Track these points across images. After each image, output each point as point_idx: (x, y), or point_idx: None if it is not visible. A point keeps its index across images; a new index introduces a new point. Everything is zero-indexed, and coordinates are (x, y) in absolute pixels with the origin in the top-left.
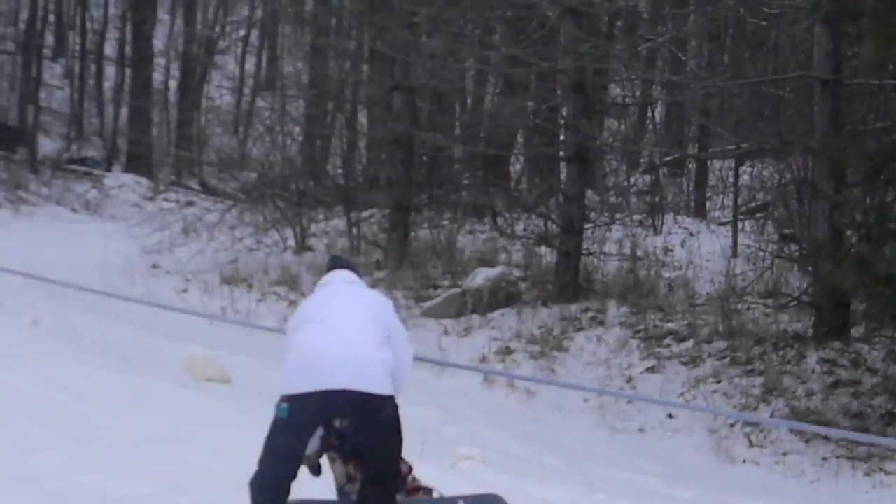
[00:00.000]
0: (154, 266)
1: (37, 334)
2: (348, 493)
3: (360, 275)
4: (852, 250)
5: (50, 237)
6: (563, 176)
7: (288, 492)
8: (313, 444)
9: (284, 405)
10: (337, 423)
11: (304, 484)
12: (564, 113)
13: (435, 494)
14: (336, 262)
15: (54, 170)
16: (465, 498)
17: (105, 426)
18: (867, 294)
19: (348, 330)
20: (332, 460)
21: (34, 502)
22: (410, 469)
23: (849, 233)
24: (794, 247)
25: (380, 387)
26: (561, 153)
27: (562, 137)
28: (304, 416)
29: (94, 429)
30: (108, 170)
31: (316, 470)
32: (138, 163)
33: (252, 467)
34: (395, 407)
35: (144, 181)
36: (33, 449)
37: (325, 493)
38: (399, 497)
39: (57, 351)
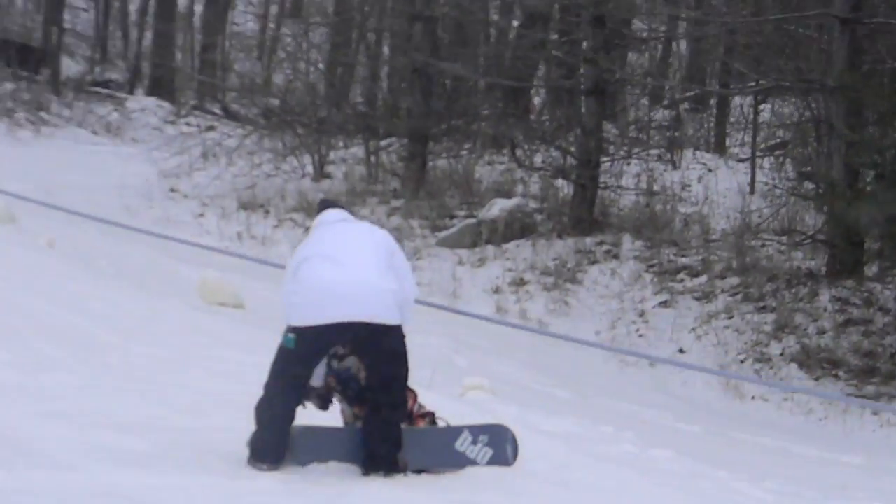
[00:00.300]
0: (172, 190)
1: (51, 256)
2: None
3: (352, 214)
4: (867, 189)
5: (70, 159)
6: (582, 108)
7: (292, 418)
8: (318, 377)
9: (291, 336)
10: (341, 350)
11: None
12: (585, 46)
13: (440, 422)
14: (327, 204)
15: (77, 92)
16: (470, 428)
17: (116, 348)
18: (881, 233)
19: (354, 262)
20: (339, 400)
21: (42, 421)
22: (416, 398)
23: (864, 172)
24: (810, 185)
25: (386, 316)
26: (581, 86)
27: (582, 70)
28: (310, 348)
29: (104, 350)
30: (131, 93)
31: (325, 402)
32: (161, 86)
33: (260, 392)
34: (402, 336)
35: (166, 105)
36: (44, 368)
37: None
38: (403, 425)
39: (71, 273)
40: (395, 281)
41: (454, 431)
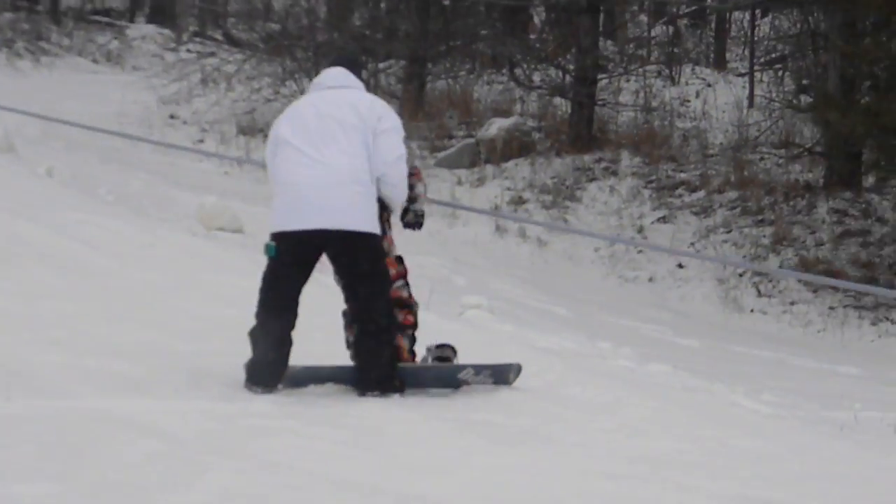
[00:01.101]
0: (172, 116)
1: (51, 184)
2: None
3: (359, 73)
4: (862, 101)
5: (70, 88)
6: (580, 26)
7: (287, 340)
8: None
9: (272, 243)
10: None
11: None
12: None
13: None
14: (334, 60)
15: (76, 21)
16: (475, 367)
17: (115, 275)
18: (877, 144)
19: (326, 157)
20: (344, 327)
21: (42, 349)
22: (409, 307)
23: (860, 83)
24: (807, 98)
25: (355, 223)
26: (579, 4)
27: None
28: (291, 257)
29: (103, 277)
30: (131, 21)
31: None
32: (161, 14)
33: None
34: (375, 241)
35: (167, 32)
36: (43, 296)
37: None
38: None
39: (70, 201)
40: (368, 172)
41: (456, 370)
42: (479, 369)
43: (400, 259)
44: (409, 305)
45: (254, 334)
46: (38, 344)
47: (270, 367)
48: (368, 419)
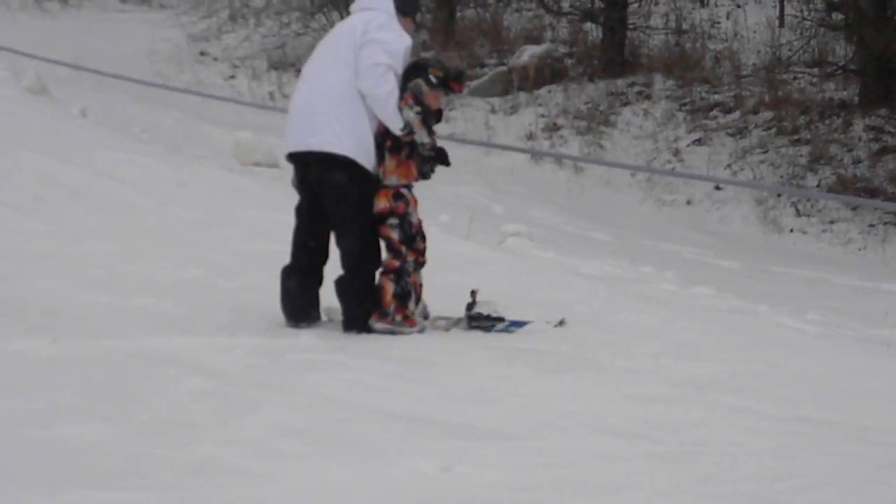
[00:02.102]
0: (202, 53)
1: (85, 125)
2: None
3: (405, 4)
4: None
5: (98, 28)
6: None
7: (311, 273)
8: None
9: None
10: None
11: None
12: None
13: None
14: None
15: None
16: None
17: (152, 213)
18: None
19: (311, 82)
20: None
21: (84, 290)
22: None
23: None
24: (839, 15)
25: (330, 145)
26: None
27: None
28: (295, 178)
29: (141, 216)
30: None
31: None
32: None
33: None
34: (349, 170)
35: None
36: (81, 237)
37: None
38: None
39: (104, 140)
40: (354, 102)
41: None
42: (512, 326)
43: (400, 196)
44: (396, 251)
45: (284, 268)
46: (80, 285)
47: (293, 300)
48: (414, 351)
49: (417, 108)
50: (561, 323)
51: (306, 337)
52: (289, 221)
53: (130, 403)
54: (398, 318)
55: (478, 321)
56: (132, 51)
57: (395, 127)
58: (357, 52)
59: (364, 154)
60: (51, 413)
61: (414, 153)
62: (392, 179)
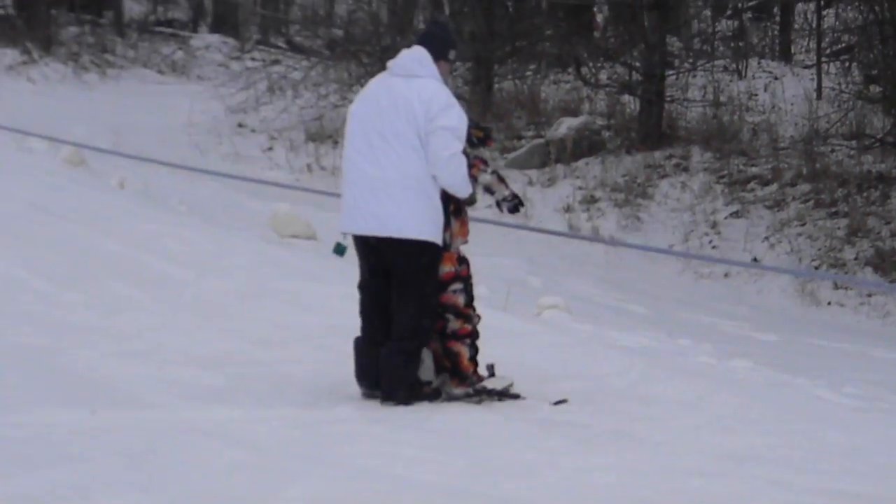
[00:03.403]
0: (240, 125)
1: (123, 196)
2: None
3: (438, 51)
4: None
5: (137, 99)
6: (645, 23)
7: (376, 340)
8: None
9: (341, 244)
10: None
11: None
12: None
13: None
14: (417, 38)
15: (140, 32)
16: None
17: (190, 285)
18: None
19: (377, 158)
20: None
21: (123, 361)
22: (464, 318)
23: None
24: (877, 88)
25: (399, 229)
26: (643, 0)
27: None
28: (358, 253)
29: (179, 288)
30: (195, 31)
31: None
32: (224, 23)
33: (336, 322)
34: (417, 251)
35: (230, 41)
36: (120, 309)
37: None
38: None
39: (142, 212)
40: (415, 179)
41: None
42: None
43: (463, 259)
44: (466, 316)
45: (355, 341)
46: (119, 356)
47: (364, 365)
48: (452, 423)
49: (491, 170)
50: (560, 402)
51: (343, 408)
52: (326, 293)
53: (166, 475)
54: (474, 379)
55: (485, 395)
56: (170, 122)
57: (465, 192)
58: (423, 135)
59: (438, 231)
60: (87, 485)
61: (464, 211)
62: (458, 242)
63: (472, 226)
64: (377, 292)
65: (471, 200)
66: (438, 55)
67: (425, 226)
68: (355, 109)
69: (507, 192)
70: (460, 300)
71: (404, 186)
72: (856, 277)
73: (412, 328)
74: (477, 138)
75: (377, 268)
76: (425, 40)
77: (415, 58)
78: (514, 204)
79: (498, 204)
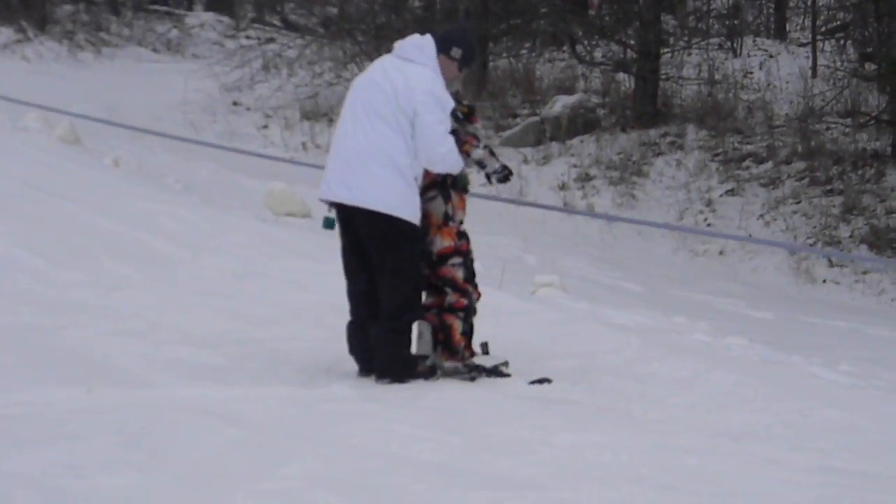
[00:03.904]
0: (235, 103)
1: (118, 175)
2: None
3: (444, 48)
4: None
5: (132, 78)
6: (640, 1)
7: (363, 323)
8: None
9: (328, 215)
10: None
11: None
12: None
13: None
14: (431, 30)
15: (135, 11)
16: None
17: (186, 263)
18: None
19: (361, 131)
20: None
21: (119, 340)
22: (461, 291)
23: None
24: (871, 66)
25: (375, 202)
26: None
27: None
28: (339, 225)
29: (175, 267)
30: (190, 9)
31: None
32: (219, 1)
33: (331, 300)
34: (387, 227)
35: (225, 19)
36: (116, 287)
37: None
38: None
39: (138, 190)
40: (399, 156)
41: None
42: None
43: (463, 234)
44: (463, 290)
45: (347, 325)
46: (115, 335)
47: (355, 345)
48: (447, 401)
49: (483, 144)
50: (542, 381)
51: (338, 387)
52: (321, 271)
53: (164, 454)
54: (466, 354)
55: (476, 372)
56: (165, 101)
57: (458, 169)
58: (403, 118)
59: (409, 209)
60: (84, 463)
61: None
62: (459, 214)
63: (469, 202)
64: (355, 270)
65: (464, 183)
66: (441, 49)
67: (393, 201)
68: (356, 82)
69: (497, 165)
70: (459, 274)
71: (379, 162)
72: (851, 254)
73: (396, 306)
74: (462, 114)
75: (354, 239)
76: (435, 32)
77: (416, 44)
78: (504, 175)
79: (488, 177)
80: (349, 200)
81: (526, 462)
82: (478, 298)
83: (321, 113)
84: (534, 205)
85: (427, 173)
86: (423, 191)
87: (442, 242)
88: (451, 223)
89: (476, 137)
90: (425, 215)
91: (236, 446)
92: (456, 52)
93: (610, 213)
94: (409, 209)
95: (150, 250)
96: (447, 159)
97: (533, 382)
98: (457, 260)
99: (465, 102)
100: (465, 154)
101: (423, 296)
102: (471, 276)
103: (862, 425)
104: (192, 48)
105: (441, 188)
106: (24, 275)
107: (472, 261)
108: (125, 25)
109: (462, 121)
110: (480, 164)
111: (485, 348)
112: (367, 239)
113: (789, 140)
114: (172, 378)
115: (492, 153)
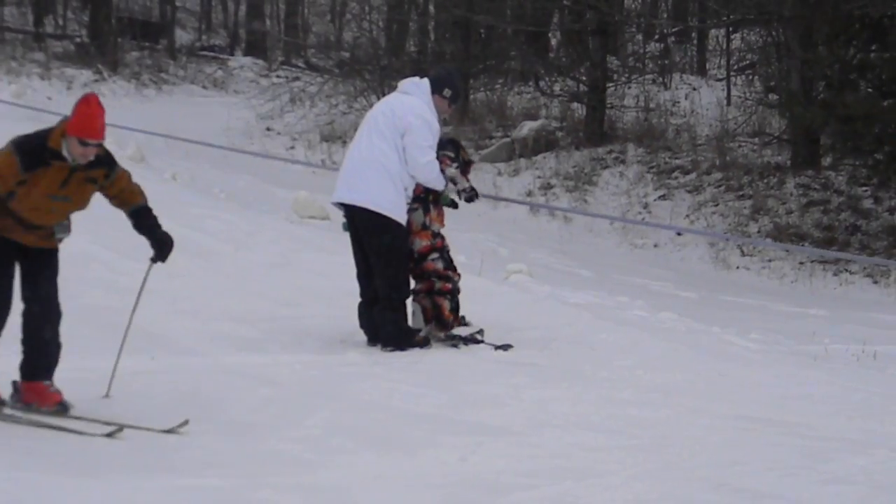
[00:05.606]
0: (268, 129)
1: (175, 186)
2: None
3: (438, 87)
4: (819, 97)
5: (186, 109)
6: (590, 45)
7: (372, 284)
8: None
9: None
10: None
11: None
12: None
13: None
14: (435, 72)
15: (188, 56)
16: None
17: (229, 257)
18: (832, 131)
19: (364, 143)
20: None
21: (175, 317)
22: (444, 278)
23: (816, 83)
24: (774, 96)
25: (369, 202)
26: (588, 28)
27: (588, 15)
28: (349, 226)
29: (220, 259)
30: (231, 54)
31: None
32: (255, 47)
33: (345, 286)
34: (379, 225)
35: (260, 62)
36: (174, 275)
37: None
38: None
39: (191, 199)
40: (392, 163)
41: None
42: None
43: (437, 234)
44: (446, 277)
45: (358, 305)
46: (174, 314)
47: (364, 321)
48: (438, 364)
49: (456, 164)
50: (504, 347)
51: (351, 354)
52: (337, 262)
53: (211, 408)
54: (455, 324)
55: (456, 340)
56: (212, 127)
57: (440, 186)
58: (399, 138)
59: (397, 210)
60: (147, 416)
61: (441, 202)
62: (435, 226)
63: (462, 207)
64: (362, 259)
65: (445, 201)
66: (434, 89)
67: (385, 203)
68: (370, 112)
69: (466, 185)
70: (440, 265)
71: (376, 171)
72: (759, 241)
73: (389, 287)
74: (464, 160)
75: (357, 234)
76: (430, 75)
77: (415, 82)
78: (471, 195)
79: (458, 193)
80: (351, 200)
81: (500, 413)
82: (459, 279)
83: (336, 136)
84: (520, 201)
85: (416, 187)
86: (409, 203)
87: (420, 242)
88: (426, 230)
89: (450, 158)
90: (407, 222)
91: (269, 402)
92: (447, 92)
93: (567, 215)
94: (396, 210)
95: (200, 245)
96: (427, 169)
97: (498, 348)
98: (435, 255)
99: (466, 158)
100: (442, 171)
101: (413, 282)
102: (449, 263)
103: (767, 382)
104: (234, 85)
105: (423, 202)
106: (99, 265)
107: (447, 251)
108: (181, 67)
109: (462, 165)
110: (452, 181)
111: (462, 320)
112: (362, 231)
113: (709, 156)
114: (217, 348)
115: (463, 173)
